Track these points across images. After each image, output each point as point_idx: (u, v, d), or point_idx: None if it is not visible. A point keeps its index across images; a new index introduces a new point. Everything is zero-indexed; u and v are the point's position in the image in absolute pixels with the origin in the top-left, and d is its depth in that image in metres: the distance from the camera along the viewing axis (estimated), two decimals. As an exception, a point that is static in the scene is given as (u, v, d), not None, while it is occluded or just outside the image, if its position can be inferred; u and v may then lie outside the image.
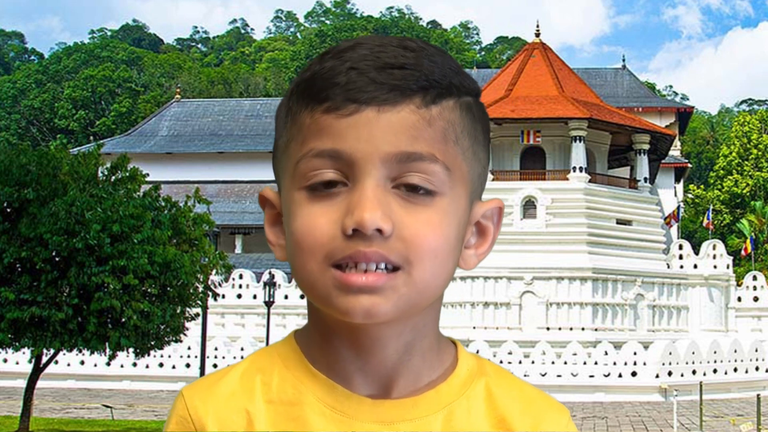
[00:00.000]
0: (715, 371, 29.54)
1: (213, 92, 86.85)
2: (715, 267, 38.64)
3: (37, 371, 16.32)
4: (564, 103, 38.79)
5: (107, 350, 14.97)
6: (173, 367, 31.43)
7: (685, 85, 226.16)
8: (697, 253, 39.11)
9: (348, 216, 0.98)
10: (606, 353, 28.93)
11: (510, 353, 29.02)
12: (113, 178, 16.02)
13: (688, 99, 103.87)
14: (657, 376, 28.52)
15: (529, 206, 37.31)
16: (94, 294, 14.17)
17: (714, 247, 39.24)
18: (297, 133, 1.04)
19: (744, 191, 69.10)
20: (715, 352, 29.83)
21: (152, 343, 15.56)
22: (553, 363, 28.71)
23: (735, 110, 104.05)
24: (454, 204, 1.03)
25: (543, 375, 28.42)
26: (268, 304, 29.73)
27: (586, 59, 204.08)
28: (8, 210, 14.75)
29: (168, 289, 15.27)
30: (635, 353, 28.83)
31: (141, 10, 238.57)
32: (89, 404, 25.63)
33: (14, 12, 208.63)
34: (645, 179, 39.83)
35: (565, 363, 28.74)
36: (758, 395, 18.93)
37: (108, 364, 16.83)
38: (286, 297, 37.42)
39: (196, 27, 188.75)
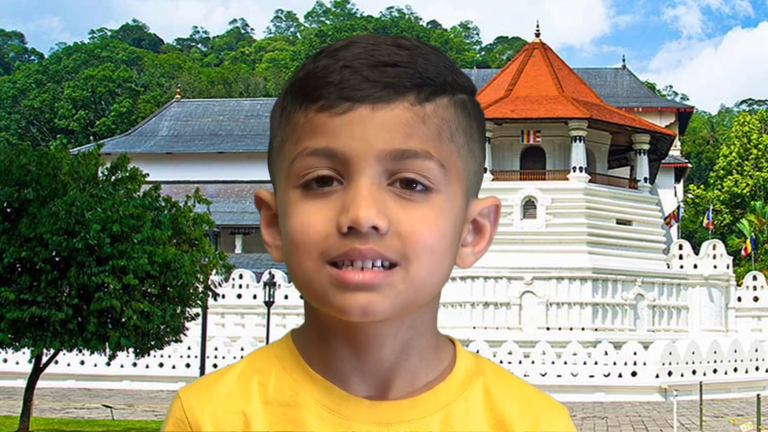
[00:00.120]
0: (715, 371, 29.53)
1: (213, 92, 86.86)
2: (715, 267, 38.63)
3: (37, 371, 16.32)
4: (564, 103, 38.79)
5: (107, 350, 14.97)
6: (173, 367, 31.43)
7: (685, 85, 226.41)
8: (697, 253, 39.11)
9: (343, 214, 0.98)
10: (606, 353, 28.92)
11: (510, 353, 29.01)
12: (113, 178, 16.02)
13: (688, 99, 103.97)
14: (657, 376, 28.52)
15: (529, 206, 37.30)
16: (94, 294, 14.17)
17: (714, 247, 39.24)
18: (291, 133, 1.04)
19: (744, 191, 69.11)
20: (715, 352, 29.82)
21: (152, 343, 15.56)
22: (553, 363, 28.70)
23: (735, 110, 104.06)
24: (450, 201, 1.03)
25: (543, 375, 28.42)
26: (268, 304, 29.74)
27: (586, 59, 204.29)
28: (8, 210, 14.75)
29: (168, 289, 15.26)
30: (635, 353, 28.82)
31: (141, 10, 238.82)
32: (89, 404, 25.63)
33: (14, 12, 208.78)
34: (645, 179, 39.82)
35: (565, 363, 28.74)
36: (758, 395, 18.93)
37: (108, 364, 16.83)
38: (286, 297, 37.42)
39: (196, 27, 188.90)
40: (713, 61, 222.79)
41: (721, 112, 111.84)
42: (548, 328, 34.55)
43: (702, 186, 76.81)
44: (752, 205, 65.47)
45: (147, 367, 30.75)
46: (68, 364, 30.46)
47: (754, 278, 39.45)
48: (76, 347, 14.79)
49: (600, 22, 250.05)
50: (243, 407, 1.06)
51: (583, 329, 34.54)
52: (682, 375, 28.73)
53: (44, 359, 16.40)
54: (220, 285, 18.84)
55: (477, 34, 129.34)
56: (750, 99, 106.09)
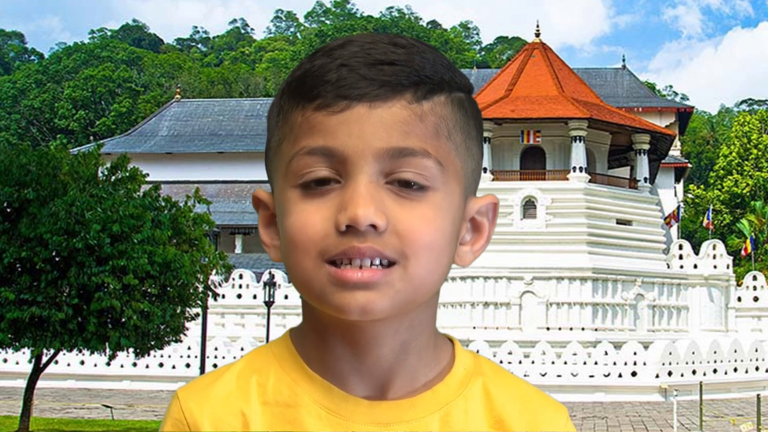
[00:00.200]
0: (715, 371, 29.53)
1: (213, 92, 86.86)
2: (715, 267, 38.63)
3: (37, 371, 16.32)
4: (564, 103, 38.79)
5: (107, 350, 14.96)
6: (173, 367, 31.43)
7: (685, 85, 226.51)
8: (697, 253, 39.11)
9: (341, 212, 0.98)
10: (606, 353, 28.92)
11: (510, 353, 29.02)
12: (113, 178, 16.02)
13: (688, 99, 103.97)
14: (657, 376, 28.51)
15: (529, 206, 37.30)
16: (94, 294, 14.17)
17: (714, 247, 39.24)
18: (289, 132, 1.04)
19: (744, 191, 69.10)
20: (715, 352, 29.82)
21: (152, 343, 15.56)
22: (553, 363, 28.70)
23: (735, 110, 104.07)
24: (448, 199, 1.03)
25: (543, 375, 28.42)
26: (268, 304, 29.75)
27: (586, 59, 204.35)
28: (8, 210, 14.75)
29: (168, 289, 15.26)
30: (635, 353, 28.82)
31: (141, 10, 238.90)
32: (89, 404, 25.63)
33: (14, 12, 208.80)
34: (645, 179, 39.82)
35: (565, 363, 28.74)
36: (758, 395, 18.93)
37: (108, 364, 16.83)
38: (286, 297, 37.42)
39: (196, 27, 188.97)
40: (713, 61, 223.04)
41: (721, 112, 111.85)
42: (548, 328, 34.56)
43: (702, 186, 76.81)
44: (752, 205, 65.47)
45: (147, 367, 30.76)
46: (68, 364, 30.46)
47: (754, 278, 39.45)
48: (76, 347, 14.79)
49: (600, 22, 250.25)
50: (242, 407, 1.06)
51: (583, 329, 34.54)
52: (682, 375, 28.73)
53: (44, 359, 16.40)
54: (220, 285, 18.84)
55: (477, 34, 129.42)
56: (750, 99, 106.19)
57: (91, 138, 75.52)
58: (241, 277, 39.14)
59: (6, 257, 14.09)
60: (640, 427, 21.13)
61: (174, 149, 59.33)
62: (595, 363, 28.73)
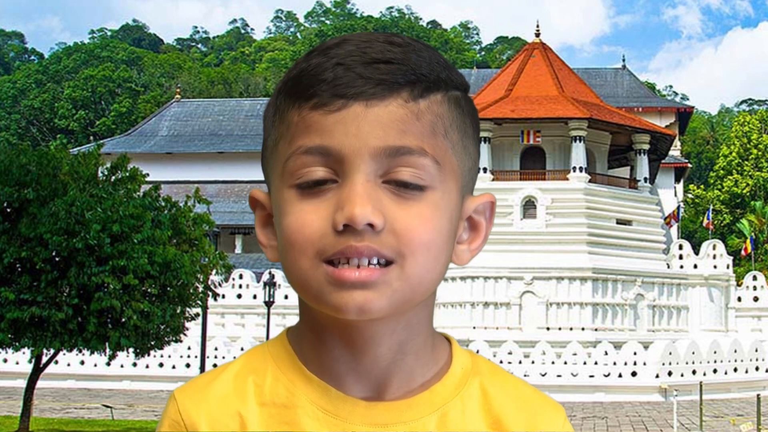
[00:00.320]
0: (715, 371, 29.53)
1: (213, 92, 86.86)
2: (715, 267, 38.63)
3: (37, 371, 16.32)
4: (564, 103, 38.79)
5: (107, 350, 14.97)
6: (173, 367, 31.43)
7: (685, 85, 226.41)
8: (697, 253, 39.11)
9: (338, 212, 0.97)
10: (606, 353, 28.92)
11: (510, 353, 29.01)
12: (113, 178, 16.02)
13: (688, 99, 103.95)
14: (657, 376, 28.51)
15: (529, 206, 37.30)
16: (94, 294, 14.17)
17: (714, 247, 39.24)
18: (285, 132, 1.03)
19: (744, 191, 69.11)
20: (715, 352, 29.82)
21: (152, 343, 15.56)
22: (553, 363, 28.70)
23: (735, 110, 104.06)
24: (446, 198, 1.02)
25: (543, 375, 28.42)
26: (268, 304, 29.76)
27: (586, 59, 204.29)
28: (8, 210, 14.75)
29: (168, 289, 15.26)
30: (635, 353, 28.82)
31: (141, 10, 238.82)
32: (89, 404, 25.63)
33: (14, 12, 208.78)
34: (645, 179, 39.82)
35: (565, 363, 28.74)
36: (758, 395, 18.93)
37: (108, 364, 16.83)
38: (286, 297, 37.39)
39: (196, 27, 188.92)
40: (713, 61, 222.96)
41: (721, 112, 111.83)
42: (548, 328, 34.56)
43: (702, 186, 76.81)
44: (752, 205, 65.47)
45: (147, 367, 30.76)
46: (68, 364, 30.46)
47: (754, 278, 39.44)
48: (76, 347, 14.79)
49: (600, 22, 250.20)
50: (239, 408, 1.06)
51: (583, 329, 34.54)
52: (682, 375, 28.73)
53: (44, 359, 16.40)
54: (220, 285, 18.84)
55: (477, 34, 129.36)
56: (750, 99, 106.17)
57: (91, 138, 75.53)
58: (241, 277, 39.15)
59: (6, 257, 14.09)
60: (640, 427, 21.13)
61: (174, 149, 59.33)
62: (595, 363, 28.73)
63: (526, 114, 38.07)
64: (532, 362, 28.76)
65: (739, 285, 39.64)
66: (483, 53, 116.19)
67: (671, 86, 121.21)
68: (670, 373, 28.55)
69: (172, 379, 30.63)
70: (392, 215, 0.98)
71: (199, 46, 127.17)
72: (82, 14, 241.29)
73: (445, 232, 1.02)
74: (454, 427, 1.06)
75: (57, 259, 14.29)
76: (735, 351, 30.27)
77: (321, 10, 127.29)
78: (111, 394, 28.99)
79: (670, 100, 75.78)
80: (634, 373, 28.69)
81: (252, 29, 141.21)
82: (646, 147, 39.96)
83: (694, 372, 28.79)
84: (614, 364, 28.72)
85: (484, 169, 37.41)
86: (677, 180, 58.99)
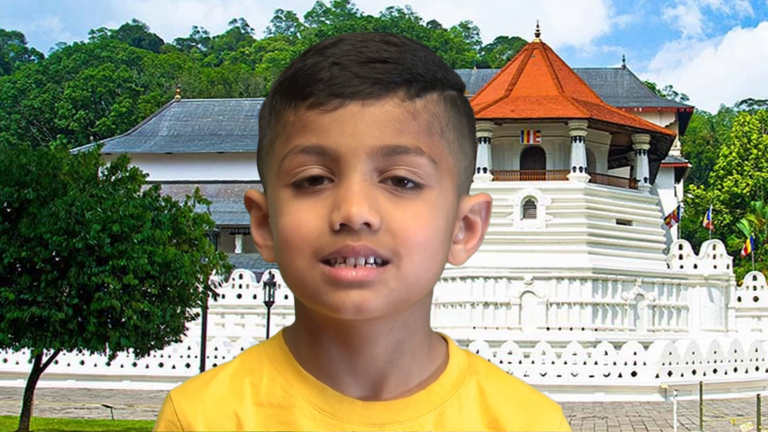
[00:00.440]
0: (715, 371, 29.53)
1: (213, 92, 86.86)
2: (715, 267, 38.63)
3: (37, 371, 16.32)
4: (564, 103, 38.79)
5: (107, 350, 14.96)
6: (173, 367, 31.42)
7: (685, 85, 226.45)
8: (697, 253, 39.10)
9: (335, 211, 0.97)
10: (606, 353, 28.91)
11: (510, 353, 29.01)
12: (113, 178, 16.02)
13: (688, 99, 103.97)
14: (657, 376, 28.51)
15: (529, 206, 37.30)
16: (94, 294, 14.16)
17: (714, 247, 39.24)
18: (281, 131, 1.03)
19: (744, 191, 69.10)
20: (715, 352, 29.81)
21: (152, 343, 15.55)
22: (553, 363, 28.70)
23: (735, 110, 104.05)
24: (442, 197, 1.02)
25: (543, 375, 28.41)
26: (268, 304, 29.77)
27: (586, 59, 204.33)
28: (8, 210, 14.75)
29: (168, 289, 15.26)
30: (635, 353, 28.82)
31: (141, 10, 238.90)
32: (89, 404, 25.62)
33: (14, 12, 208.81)
34: (645, 179, 39.82)
35: (565, 363, 28.73)
36: (758, 395, 18.93)
37: (108, 364, 16.82)
38: (286, 297, 37.40)
39: (196, 27, 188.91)
40: (713, 61, 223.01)
41: (721, 112, 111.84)
42: (548, 328, 34.55)
43: (702, 186, 76.81)
44: (752, 205, 65.46)
45: (147, 367, 30.75)
46: (68, 364, 30.46)
47: (754, 278, 39.44)
48: (76, 347, 14.78)
49: (600, 22, 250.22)
50: (235, 409, 1.06)
51: (583, 329, 34.54)
52: (682, 375, 28.72)
53: (44, 359, 16.40)
54: (220, 285, 18.84)
55: (477, 34, 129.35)
56: (750, 99, 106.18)
57: (91, 138, 75.52)
58: (241, 277, 39.16)
59: (6, 257, 14.09)
60: (640, 427, 21.13)
61: (174, 149, 59.34)
62: (595, 363, 28.72)
63: (526, 114, 38.07)
64: (532, 362, 28.76)
65: (739, 285, 39.64)
66: (483, 53, 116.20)
67: (671, 86, 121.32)
68: (670, 373, 28.55)
69: (172, 379, 30.62)
70: (389, 215, 0.98)
71: (199, 46, 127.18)
72: (82, 14, 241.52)
73: (441, 232, 1.02)
74: (451, 426, 1.06)
75: (57, 259, 14.29)
76: (735, 351, 30.27)
77: (321, 10, 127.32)
78: (111, 394, 28.99)
79: (670, 100, 75.78)
80: (634, 373, 28.69)
81: (252, 29, 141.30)
82: (646, 147, 39.96)
83: (694, 372, 28.79)
84: (614, 364, 28.72)
85: (484, 169, 37.37)
86: (677, 180, 58.99)
